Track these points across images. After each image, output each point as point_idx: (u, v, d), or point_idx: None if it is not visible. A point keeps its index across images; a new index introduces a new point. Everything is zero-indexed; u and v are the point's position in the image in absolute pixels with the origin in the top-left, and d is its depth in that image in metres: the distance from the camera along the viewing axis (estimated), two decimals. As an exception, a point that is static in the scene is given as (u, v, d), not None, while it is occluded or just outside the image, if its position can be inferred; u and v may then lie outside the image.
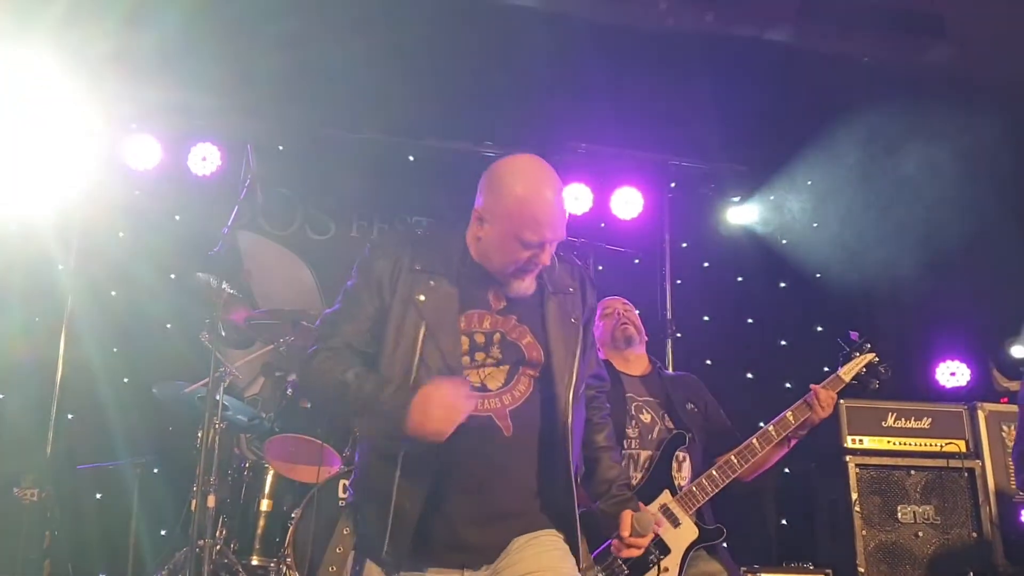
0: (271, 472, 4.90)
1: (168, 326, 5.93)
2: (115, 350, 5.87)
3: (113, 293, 5.97)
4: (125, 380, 5.85)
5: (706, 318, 6.59)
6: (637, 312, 3.87)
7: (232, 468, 5.10)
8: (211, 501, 4.48)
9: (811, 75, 5.82)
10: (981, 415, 5.31)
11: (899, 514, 5.10)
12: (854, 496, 5.08)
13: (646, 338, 3.78)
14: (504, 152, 6.96)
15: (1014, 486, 5.10)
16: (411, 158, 6.77)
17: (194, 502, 4.40)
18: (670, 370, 3.91)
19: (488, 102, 6.04)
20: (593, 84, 5.59)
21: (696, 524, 3.25)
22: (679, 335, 6.25)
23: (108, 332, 5.83)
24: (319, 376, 2.30)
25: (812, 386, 3.35)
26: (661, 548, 3.18)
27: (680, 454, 3.38)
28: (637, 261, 6.35)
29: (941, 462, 5.20)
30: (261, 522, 4.82)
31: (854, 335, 3.47)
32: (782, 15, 5.30)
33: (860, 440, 5.21)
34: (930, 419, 5.31)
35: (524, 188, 2.36)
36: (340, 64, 5.49)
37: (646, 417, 3.48)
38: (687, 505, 3.26)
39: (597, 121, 6.16)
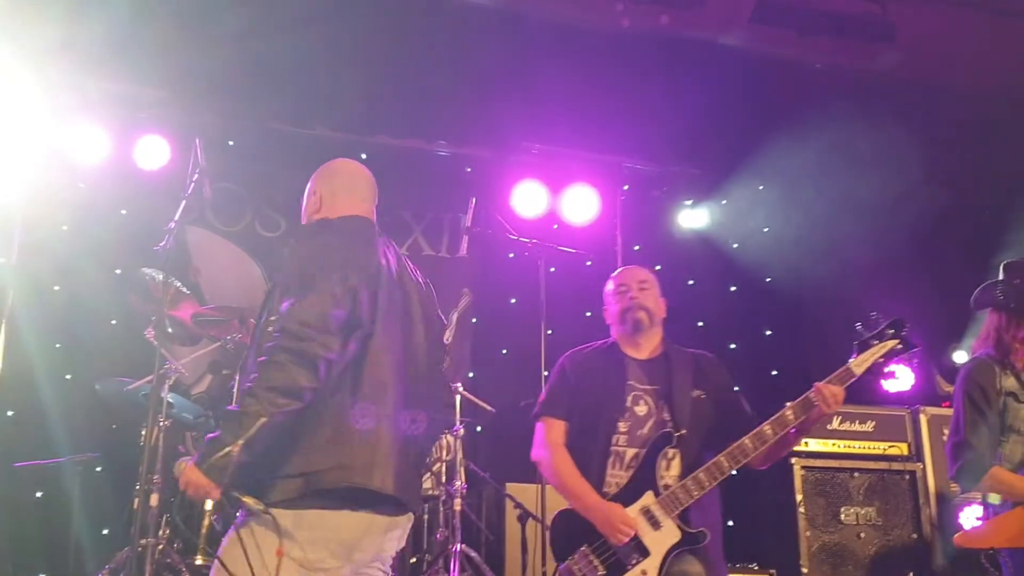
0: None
1: (113, 322, 5.82)
2: (57, 346, 5.75)
3: (56, 288, 5.84)
4: (68, 377, 5.73)
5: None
6: (656, 288, 3.49)
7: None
8: (154, 500, 4.43)
9: (764, 79, 5.88)
10: (923, 419, 5.41)
11: (842, 515, 5.18)
12: (799, 497, 5.15)
13: (663, 315, 3.45)
14: (458, 151, 7.00)
15: (954, 487, 5.22)
16: (363, 156, 6.71)
17: (137, 501, 4.35)
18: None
19: (441, 100, 6.01)
20: (547, 84, 5.59)
21: (679, 527, 3.08)
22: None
23: (50, 328, 5.69)
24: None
25: (816, 384, 3.09)
26: (641, 551, 3.06)
27: (669, 451, 3.17)
28: (589, 263, 6.35)
29: (884, 464, 5.30)
30: (206, 521, 4.75)
31: (874, 316, 3.18)
32: (736, 19, 5.34)
33: (806, 442, 5.27)
34: (874, 422, 5.40)
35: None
36: (292, 59, 5.42)
37: (641, 409, 3.27)
38: (669, 507, 3.09)
39: (551, 121, 6.16)
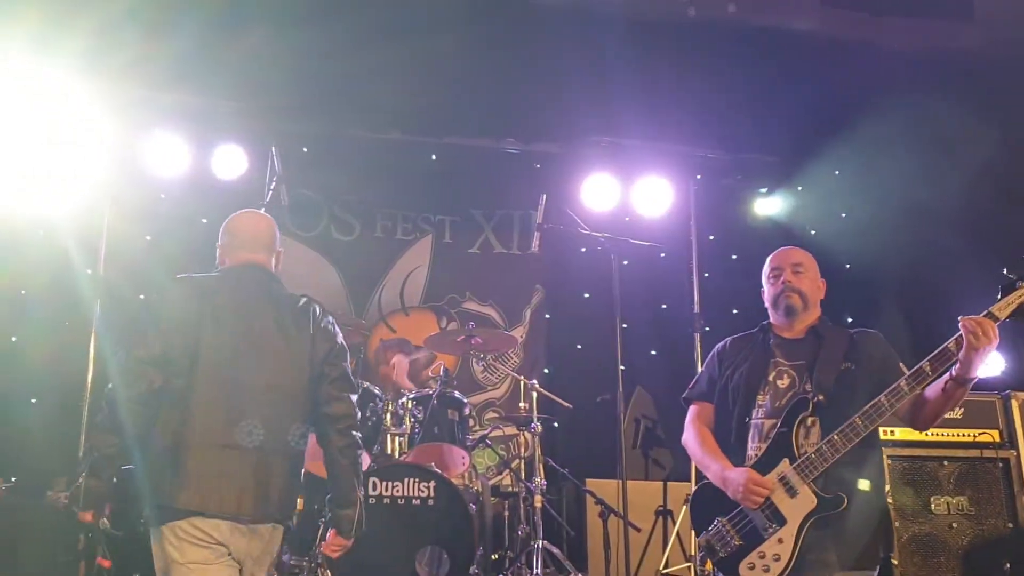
0: (301, 471, 4.91)
1: (196, 328, 5.95)
2: (144, 353, 5.91)
3: (141, 297, 6.01)
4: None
5: (735, 311, 6.54)
6: (812, 269, 3.34)
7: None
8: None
9: (838, 63, 5.75)
10: (1015, 404, 5.23)
11: (932, 505, 5.03)
12: (887, 488, 5.02)
13: (821, 296, 3.33)
14: (527, 148, 7.01)
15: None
16: (433, 157, 6.79)
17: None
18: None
19: (510, 98, 6.02)
20: (616, 77, 5.55)
21: (815, 493, 2.98)
22: (707, 329, 6.22)
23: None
24: None
25: (960, 319, 2.90)
26: (777, 518, 3.00)
27: (809, 420, 3.07)
28: (663, 255, 6.31)
29: (975, 452, 5.13)
30: (293, 520, 4.83)
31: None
32: (807, 2, 5.24)
33: (892, 431, 5.14)
34: (963, 409, 5.22)
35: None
36: (362, 66, 5.50)
37: (783, 382, 3.19)
38: (806, 473, 2.99)
39: (621, 114, 6.11)
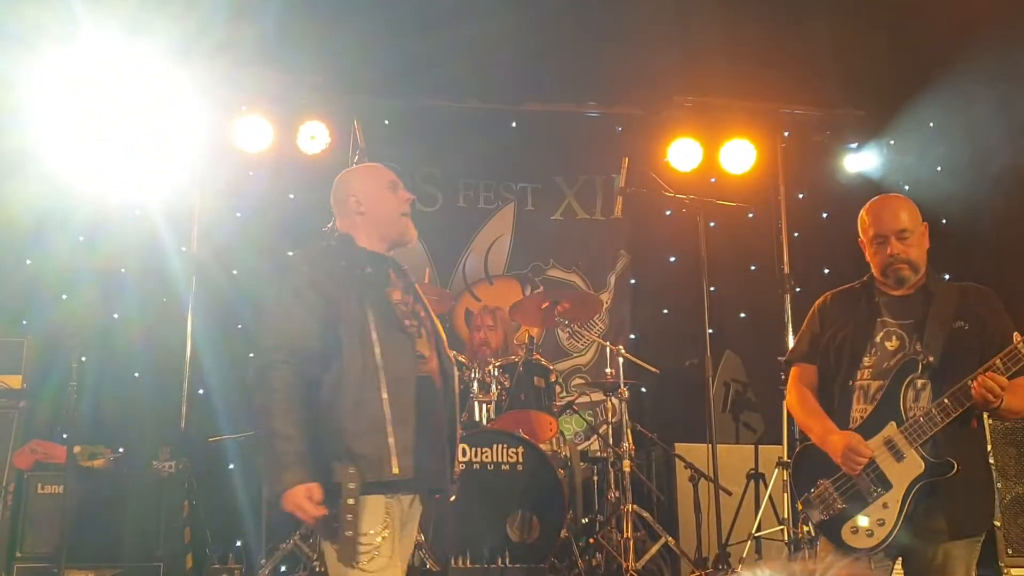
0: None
1: (288, 303, 6.10)
2: (239, 327, 6.11)
3: (235, 272, 6.20)
4: (251, 355, 6.06)
5: (827, 271, 6.38)
6: (918, 229, 3.11)
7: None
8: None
9: (928, 10, 5.51)
10: (1126, 358, 4.98)
11: (1038, 466, 4.87)
12: (989, 448, 4.86)
13: (927, 248, 3.12)
14: (608, 111, 6.92)
15: None
16: (513, 124, 6.77)
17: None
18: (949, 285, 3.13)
19: (590, 61, 5.96)
20: (698, 35, 5.44)
21: (923, 458, 2.88)
22: (798, 289, 6.08)
23: (232, 310, 6.06)
24: (264, 399, 2.64)
25: (972, 384, 2.80)
26: (882, 482, 2.91)
27: (919, 382, 2.95)
28: (751, 215, 6.17)
29: (1085, 409, 4.92)
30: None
31: None
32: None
33: (995, 389, 4.97)
34: (1069, 364, 5.01)
35: (365, 167, 3.08)
36: (439, 36, 5.51)
37: (892, 344, 3.05)
38: (913, 437, 2.89)
39: (704, 73, 6.00)
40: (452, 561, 4.26)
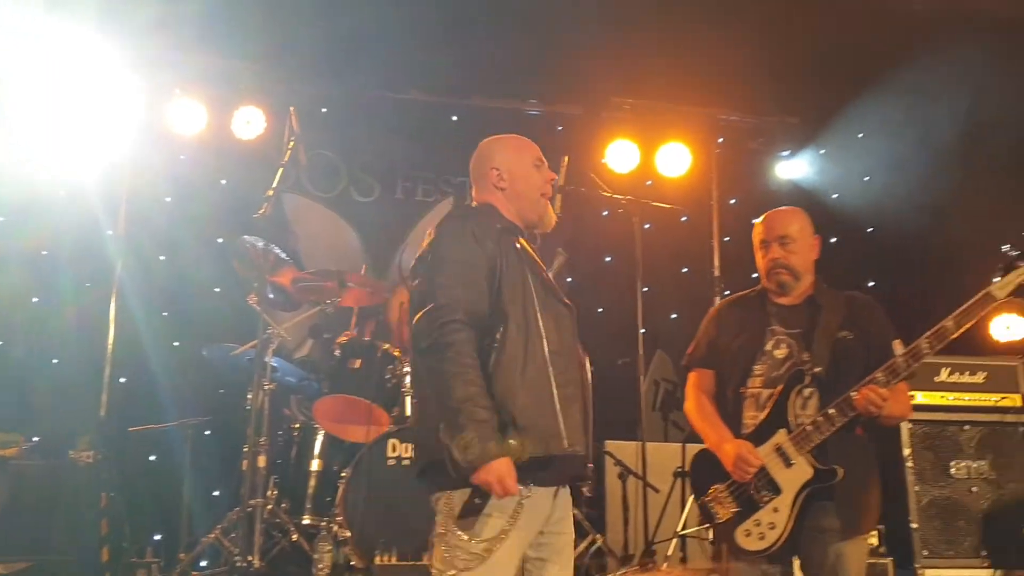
0: (321, 433, 4.96)
1: (216, 290, 6.01)
2: (165, 314, 5.98)
3: (161, 258, 6.06)
4: (175, 344, 5.94)
5: (755, 275, 6.48)
6: (802, 238, 3.25)
7: (282, 429, 5.17)
8: (262, 461, 4.56)
9: (862, 24, 5.65)
10: (1037, 369, 5.20)
11: (953, 470, 5.03)
12: (907, 452, 5.01)
13: (814, 258, 3.27)
14: (549, 110, 6.95)
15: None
16: (454, 118, 6.74)
17: (245, 463, 4.49)
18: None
19: (532, 59, 5.95)
20: (637, 39, 5.47)
21: (811, 464, 2.99)
22: (728, 292, 6.18)
23: (157, 297, 5.92)
24: (451, 363, 2.40)
25: (854, 395, 2.96)
26: (772, 488, 3.02)
27: (806, 391, 3.05)
28: (685, 218, 6.26)
29: (996, 417, 5.12)
30: (312, 482, 4.88)
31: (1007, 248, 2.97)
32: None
33: (913, 395, 5.12)
34: (985, 373, 5.21)
35: (515, 140, 2.90)
36: (382, 26, 5.45)
37: (781, 352, 3.16)
38: (801, 444, 2.99)
39: (643, 77, 6.05)
40: (377, 557, 4.22)
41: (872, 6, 5.58)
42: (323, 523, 4.60)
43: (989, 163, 5.92)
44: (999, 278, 2.93)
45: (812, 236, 3.29)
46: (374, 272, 6.67)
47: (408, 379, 4.81)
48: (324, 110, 6.41)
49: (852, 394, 2.96)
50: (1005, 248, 2.93)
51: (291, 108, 4.75)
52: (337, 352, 4.94)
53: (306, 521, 4.78)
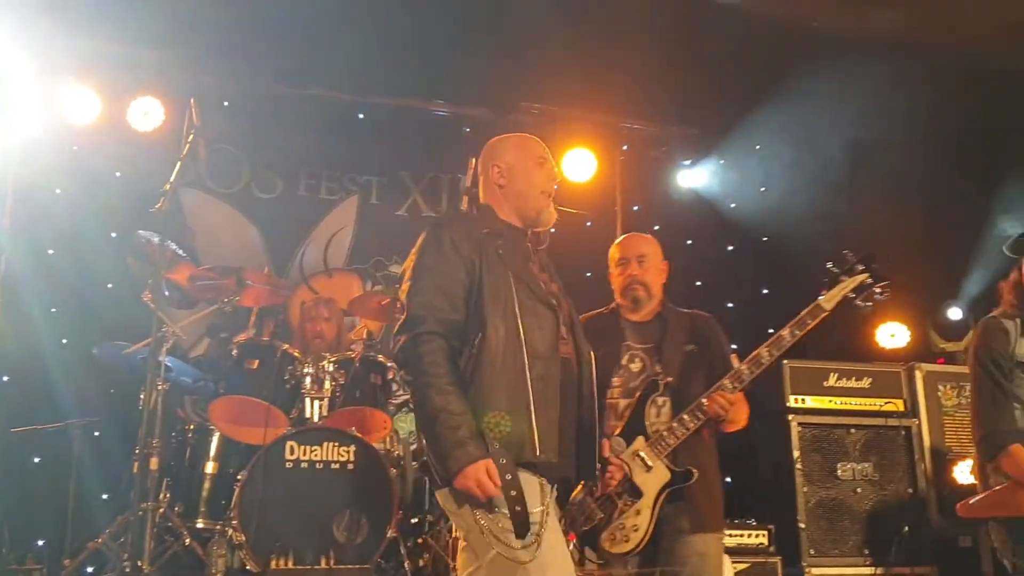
0: (216, 434, 4.84)
1: (109, 286, 5.82)
2: (53, 310, 5.74)
3: (51, 252, 5.82)
4: (64, 341, 5.71)
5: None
6: (655, 257, 3.58)
7: (176, 430, 5.03)
8: (154, 463, 4.42)
9: (762, 38, 5.83)
10: (919, 375, 5.45)
11: (839, 471, 5.22)
12: (796, 454, 5.19)
13: (663, 280, 3.58)
14: (457, 111, 6.94)
15: (947, 443, 5.29)
16: (360, 115, 6.67)
17: (137, 465, 4.35)
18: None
19: (440, 60, 5.94)
20: (546, 46, 5.52)
21: (668, 467, 3.23)
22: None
23: (46, 292, 5.67)
24: (422, 375, 2.45)
25: (705, 402, 3.23)
26: (633, 492, 3.21)
27: (659, 400, 3.31)
28: (589, 224, 6.33)
29: (880, 421, 5.34)
30: (207, 484, 4.77)
31: (846, 254, 3.26)
32: (733, -23, 5.29)
33: (803, 399, 5.31)
34: (870, 379, 5.43)
35: (518, 138, 2.92)
36: (287, 19, 5.36)
37: (636, 366, 3.44)
38: (659, 449, 3.22)
39: (550, 82, 6.11)
40: (273, 562, 4.14)
41: (772, 22, 5.77)
42: (218, 527, 4.49)
43: (876, 175, 6.19)
44: (825, 292, 3.23)
45: (663, 261, 3.61)
46: (275, 270, 6.55)
47: (307, 380, 4.74)
48: (226, 103, 6.25)
49: (703, 400, 3.22)
50: (829, 265, 3.21)
51: (191, 100, 4.63)
52: (235, 352, 4.83)
53: (200, 525, 4.66)
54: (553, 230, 5.64)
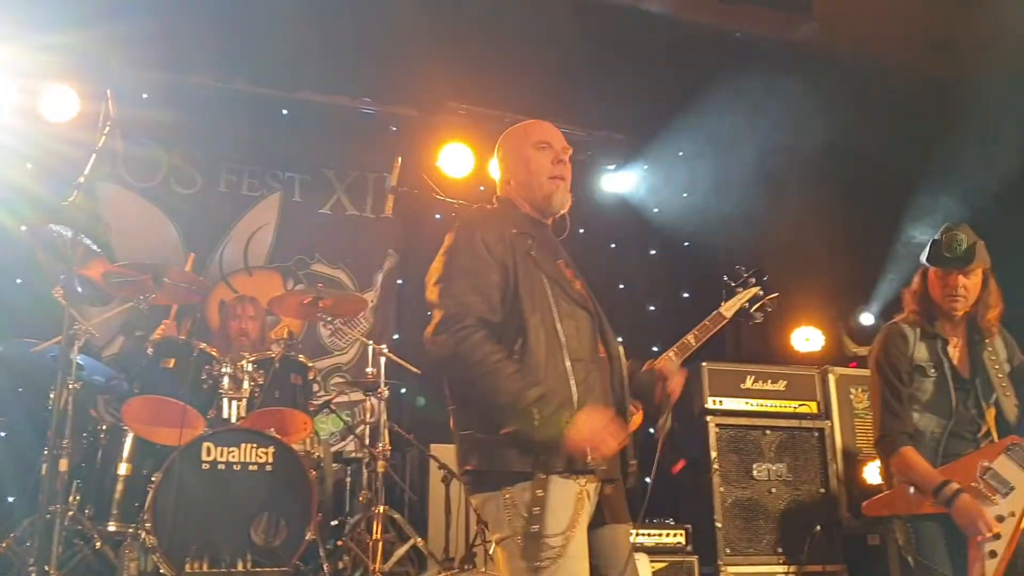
0: (130, 435, 4.71)
1: (18, 281, 5.63)
2: (-46, 308, 5.51)
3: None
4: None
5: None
6: None
7: (88, 431, 4.87)
8: (64, 465, 4.26)
9: (687, 47, 5.93)
10: (831, 378, 5.61)
11: (755, 471, 5.35)
12: (713, 455, 5.29)
13: None
14: (384, 110, 6.89)
15: (858, 445, 5.46)
16: (284, 112, 6.57)
17: (45, 466, 4.20)
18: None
19: (368, 58, 5.90)
20: (474, 47, 5.53)
21: None
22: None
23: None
24: (480, 365, 2.35)
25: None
26: None
27: None
28: (515, 226, 6.37)
29: (794, 422, 5.48)
30: (119, 487, 4.61)
31: (739, 268, 3.38)
32: (661, -15, 5.38)
33: (720, 401, 5.42)
34: (785, 382, 5.57)
35: (521, 125, 2.78)
36: (211, 10, 5.25)
37: None
38: None
39: (477, 83, 6.11)
40: (188, 565, 4.05)
41: (697, 31, 5.88)
42: (130, 530, 4.37)
43: (794, 183, 6.35)
44: (725, 301, 3.35)
45: None
46: (193, 268, 6.40)
47: (225, 380, 4.65)
48: (145, 95, 6.09)
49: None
50: (725, 278, 3.32)
51: (108, 91, 4.49)
52: (150, 351, 4.71)
53: (112, 528, 4.51)
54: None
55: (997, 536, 3.17)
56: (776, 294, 3.35)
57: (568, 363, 2.41)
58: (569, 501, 2.37)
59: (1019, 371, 3.50)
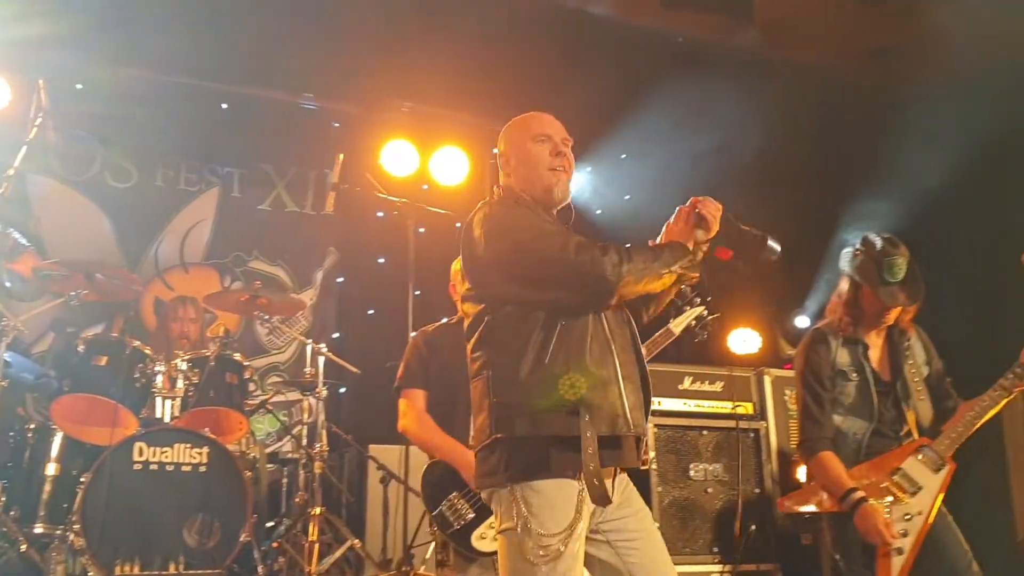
0: (59, 434, 4.60)
1: (-57, 275, 5.42)
2: None
3: None
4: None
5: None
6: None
7: (15, 430, 4.75)
8: (-12, 465, 4.18)
9: (629, 50, 5.98)
10: (767, 379, 5.70)
11: (692, 472, 5.40)
12: (651, 455, 5.34)
13: None
14: (325, 106, 6.83)
15: (792, 446, 5.56)
16: (224, 106, 6.47)
17: (-31, 467, 4.10)
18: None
19: (309, 52, 5.83)
20: (418, 44, 5.51)
21: None
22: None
23: None
24: (640, 269, 2.51)
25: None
26: None
27: None
28: (459, 225, 6.35)
29: (731, 423, 5.55)
30: (47, 487, 4.51)
31: (684, 288, 3.53)
32: (605, -13, 5.42)
33: (659, 401, 5.47)
34: (723, 383, 5.64)
35: (521, 118, 2.78)
36: (151, 1, 5.14)
37: None
38: None
39: (421, 81, 6.09)
40: (118, 567, 3.97)
41: (640, 35, 5.93)
42: (58, 532, 4.27)
43: (733, 187, 6.44)
44: (673, 319, 3.62)
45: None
46: (127, 263, 6.27)
47: (159, 379, 4.57)
48: (79, 86, 5.95)
49: None
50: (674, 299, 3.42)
51: (40, 81, 4.39)
52: (81, 348, 4.61)
53: (39, 530, 4.40)
54: (422, 230, 5.69)
55: (900, 550, 3.27)
56: (718, 314, 3.56)
57: (608, 332, 2.49)
58: (570, 501, 2.40)
59: (936, 375, 3.61)
